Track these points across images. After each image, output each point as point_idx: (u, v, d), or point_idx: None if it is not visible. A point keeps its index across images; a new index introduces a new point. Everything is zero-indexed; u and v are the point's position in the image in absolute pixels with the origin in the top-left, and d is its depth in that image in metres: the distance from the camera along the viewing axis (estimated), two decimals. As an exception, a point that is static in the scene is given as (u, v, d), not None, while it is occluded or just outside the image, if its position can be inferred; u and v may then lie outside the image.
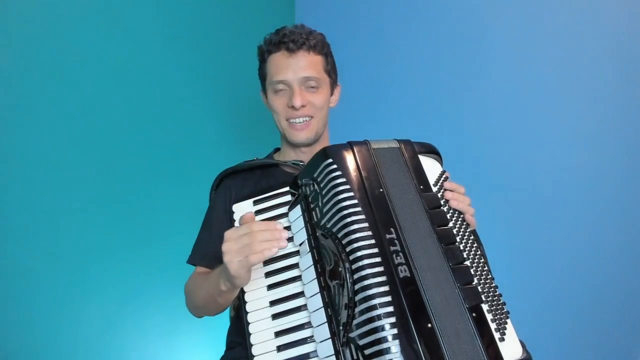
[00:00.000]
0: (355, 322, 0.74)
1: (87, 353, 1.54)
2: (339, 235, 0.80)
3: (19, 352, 1.42)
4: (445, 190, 0.93)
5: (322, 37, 1.17)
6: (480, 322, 0.76)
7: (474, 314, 0.76)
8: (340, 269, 0.77)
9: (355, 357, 0.73)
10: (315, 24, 1.18)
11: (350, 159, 0.87)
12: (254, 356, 0.83)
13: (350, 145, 0.90)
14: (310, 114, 1.13)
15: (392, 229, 0.80)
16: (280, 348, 0.83)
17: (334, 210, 0.82)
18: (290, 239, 0.91)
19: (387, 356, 0.69)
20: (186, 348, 1.78)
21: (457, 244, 0.85)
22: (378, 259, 0.76)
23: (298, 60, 1.11)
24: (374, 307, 0.72)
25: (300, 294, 0.86)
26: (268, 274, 0.90)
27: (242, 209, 0.98)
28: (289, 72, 1.11)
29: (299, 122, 1.13)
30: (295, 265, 0.88)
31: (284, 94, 1.13)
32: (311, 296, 0.83)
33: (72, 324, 1.51)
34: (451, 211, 0.90)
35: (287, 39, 1.11)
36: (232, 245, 0.82)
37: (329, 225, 0.82)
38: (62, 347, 1.49)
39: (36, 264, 1.45)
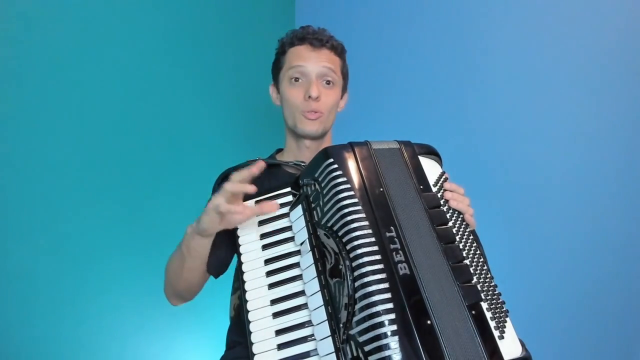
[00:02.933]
0: (355, 319, 0.74)
1: (87, 353, 1.55)
2: (340, 233, 0.80)
3: (19, 352, 1.42)
4: (444, 190, 0.94)
5: (342, 44, 1.22)
6: (480, 320, 0.77)
7: (473, 312, 0.77)
8: (341, 266, 0.78)
9: (355, 354, 0.73)
10: (315, 24, 1.20)
11: (351, 159, 0.88)
12: (254, 354, 0.83)
13: (351, 145, 0.91)
14: (322, 109, 1.16)
15: (392, 228, 0.81)
16: (280, 346, 0.83)
17: (334, 209, 0.83)
18: (291, 239, 0.92)
19: (387, 352, 0.70)
20: (186, 348, 1.78)
21: (456, 243, 0.86)
22: (378, 257, 0.77)
23: (320, 55, 1.16)
24: (373, 304, 0.73)
25: (301, 293, 0.86)
26: (269, 273, 0.90)
27: (244, 209, 0.99)
28: (310, 62, 1.14)
29: (312, 113, 1.15)
30: (296, 265, 0.89)
31: (300, 85, 1.15)
32: (312, 295, 0.83)
33: (71, 324, 1.51)
34: (451, 211, 0.91)
35: (311, 36, 1.16)
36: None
37: (329, 224, 0.83)
38: (62, 348, 1.49)
39: (36, 264, 1.45)
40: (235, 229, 0.98)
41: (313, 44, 1.16)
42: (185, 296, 1.13)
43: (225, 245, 1.05)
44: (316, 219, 0.87)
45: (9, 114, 1.41)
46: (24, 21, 1.45)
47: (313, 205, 0.88)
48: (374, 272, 0.75)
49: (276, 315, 0.86)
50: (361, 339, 0.73)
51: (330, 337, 0.78)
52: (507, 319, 0.81)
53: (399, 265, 0.77)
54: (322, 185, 0.87)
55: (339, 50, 1.20)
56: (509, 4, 1.68)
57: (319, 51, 1.16)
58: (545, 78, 1.59)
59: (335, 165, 0.86)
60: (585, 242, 1.49)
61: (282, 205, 0.96)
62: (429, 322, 0.73)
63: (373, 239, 0.79)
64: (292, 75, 1.16)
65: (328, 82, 1.16)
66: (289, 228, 0.93)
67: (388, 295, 0.74)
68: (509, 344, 0.78)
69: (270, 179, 1.15)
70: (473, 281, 0.82)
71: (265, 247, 0.94)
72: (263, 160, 1.18)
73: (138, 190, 1.70)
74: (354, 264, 0.77)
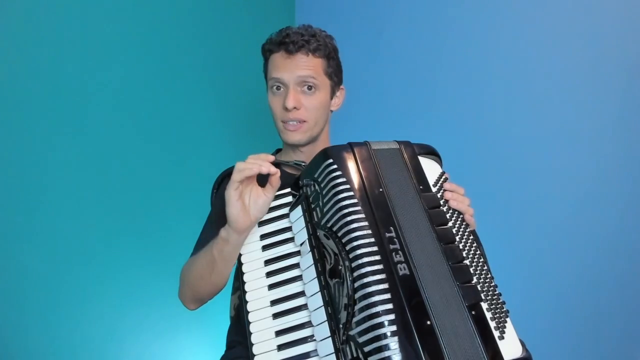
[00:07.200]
0: (354, 319, 0.74)
1: (87, 353, 1.55)
2: (339, 234, 0.80)
3: (18, 353, 1.42)
4: (444, 190, 0.93)
5: (327, 40, 1.15)
6: (480, 321, 0.77)
7: (473, 312, 0.77)
8: (340, 267, 0.78)
9: (355, 355, 0.73)
10: (315, 24, 1.18)
11: (350, 160, 0.88)
12: (254, 355, 0.84)
13: (350, 146, 0.91)
14: (303, 117, 1.12)
15: (391, 228, 0.81)
16: (280, 347, 0.83)
17: (334, 209, 0.83)
18: (291, 240, 0.92)
19: (386, 353, 0.70)
20: (186, 348, 1.79)
21: (456, 243, 0.86)
22: (377, 257, 0.77)
23: (296, 62, 1.10)
24: (373, 305, 0.73)
25: (301, 294, 0.87)
26: (269, 274, 0.91)
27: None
28: (286, 72, 1.10)
29: (292, 124, 1.13)
30: (296, 265, 0.89)
31: (280, 94, 1.13)
32: (311, 295, 0.83)
33: (71, 324, 1.51)
34: (451, 211, 0.91)
35: (287, 40, 1.11)
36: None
37: (329, 225, 0.83)
38: (62, 348, 1.49)
39: (35, 264, 1.45)
40: None
41: (289, 49, 1.10)
42: (206, 300, 1.09)
43: None
44: (316, 219, 0.87)
45: (9, 114, 1.41)
46: (23, 21, 1.45)
47: (313, 206, 0.88)
48: (373, 273, 0.75)
49: (276, 316, 0.86)
50: (361, 339, 0.73)
51: (330, 338, 0.78)
52: (508, 319, 0.81)
53: (399, 265, 0.77)
54: (322, 185, 0.87)
55: (321, 52, 1.12)
56: (511, 3, 1.68)
57: (295, 57, 1.10)
58: (546, 79, 1.59)
59: (335, 166, 0.86)
60: (585, 242, 1.49)
61: (282, 205, 0.96)
62: (428, 322, 0.73)
63: (372, 240, 0.79)
64: (272, 84, 1.13)
65: (310, 87, 1.11)
66: (288, 229, 0.93)
67: (388, 296, 0.74)
68: (509, 344, 0.78)
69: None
70: (473, 281, 0.82)
71: (265, 247, 0.94)
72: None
73: (138, 190, 1.69)
74: (353, 265, 0.77)
